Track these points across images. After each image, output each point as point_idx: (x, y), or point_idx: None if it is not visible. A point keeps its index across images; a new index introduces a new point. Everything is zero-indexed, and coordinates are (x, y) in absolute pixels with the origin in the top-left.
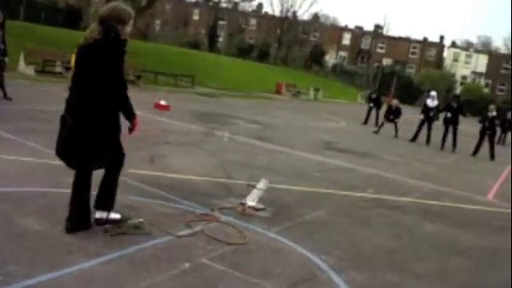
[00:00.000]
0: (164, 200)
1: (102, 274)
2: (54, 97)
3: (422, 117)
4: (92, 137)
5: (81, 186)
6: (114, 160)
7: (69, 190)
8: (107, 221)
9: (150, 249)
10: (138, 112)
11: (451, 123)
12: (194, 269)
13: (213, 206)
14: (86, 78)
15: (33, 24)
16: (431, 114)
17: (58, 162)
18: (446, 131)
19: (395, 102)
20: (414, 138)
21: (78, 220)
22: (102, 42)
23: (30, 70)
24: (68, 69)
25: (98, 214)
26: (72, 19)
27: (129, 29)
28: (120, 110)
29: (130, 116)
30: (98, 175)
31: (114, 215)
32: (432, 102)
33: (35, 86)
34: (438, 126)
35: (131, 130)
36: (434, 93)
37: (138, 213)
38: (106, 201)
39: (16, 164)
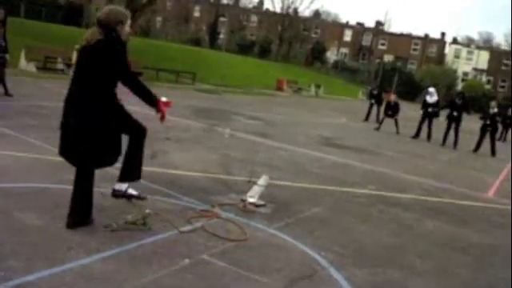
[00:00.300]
0: (164, 196)
1: (103, 269)
2: (56, 93)
3: (421, 112)
4: (93, 135)
5: (82, 183)
6: (134, 133)
7: (70, 186)
8: (124, 194)
9: (151, 245)
10: (138, 108)
11: (454, 120)
12: (195, 265)
13: (213, 202)
14: (87, 78)
15: (33, 21)
16: (430, 110)
17: (59, 158)
18: (449, 128)
19: (393, 97)
20: (417, 135)
21: (79, 216)
22: (105, 43)
23: (31, 67)
24: (69, 66)
25: (117, 186)
26: (73, 16)
27: (127, 29)
28: (142, 99)
29: (153, 101)
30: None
31: (132, 191)
32: (431, 98)
33: (36, 82)
34: (441, 122)
35: (162, 118)
36: (432, 89)
37: (140, 209)
38: (129, 173)
39: (17, 160)
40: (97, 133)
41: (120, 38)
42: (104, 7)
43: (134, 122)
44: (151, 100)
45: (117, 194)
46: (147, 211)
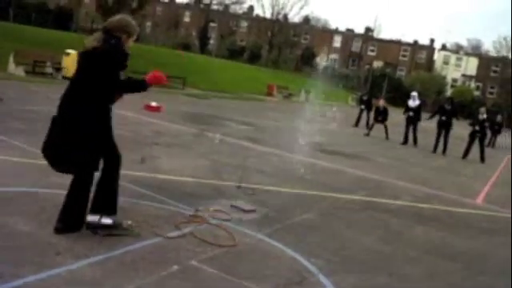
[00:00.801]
0: (154, 201)
1: (90, 275)
2: (44, 97)
3: (404, 116)
4: (91, 142)
5: (79, 190)
6: (111, 161)
7: (58, 191)
8: (98, 225)
9: (139, 250)
10: (128, 113)
11: (444, 126)
12: (183, 271)
13: (203, 207)
14: (84, 84)
15: (23, 25)
16: (411, 114)
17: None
18: (439, 135)
19: (382, 102)
20: (405, 142)
21: (70, 221)
22: (101, 51)
23: (20, 71)
24: (58, 70)
25: (90, 218)
26: (62, 20)
27: (131, 43)
28: (135, 92)
29: (144, 85)
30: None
31: (106, 220)
32: (413, 103)
33: (25, 86)
34: (432, 128)
35: (163, 81)
36: (414, 93)
37: (128, 214)
38: (102, 204)
39: (4, 164)
40: (95, 138)
41: (121, 47)
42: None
43: (113, 147)
44: (142, 86)
45: (90, 226)
46: (128, 222)
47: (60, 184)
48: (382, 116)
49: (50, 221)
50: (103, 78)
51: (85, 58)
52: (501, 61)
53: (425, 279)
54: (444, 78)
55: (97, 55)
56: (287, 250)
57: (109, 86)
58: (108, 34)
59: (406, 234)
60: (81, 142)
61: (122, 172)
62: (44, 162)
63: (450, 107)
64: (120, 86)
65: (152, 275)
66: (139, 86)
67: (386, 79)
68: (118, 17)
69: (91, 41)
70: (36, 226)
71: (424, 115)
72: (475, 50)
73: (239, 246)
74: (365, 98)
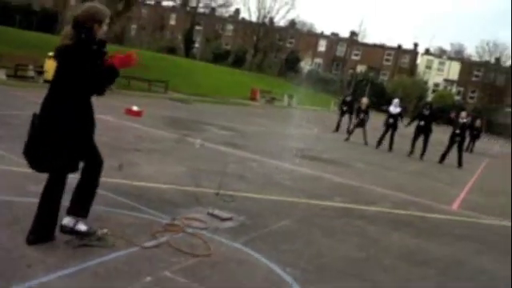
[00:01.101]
0: (131, 210)
1: (63, 287)
2: (26, 102)
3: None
4: (70, 141)
5: (52, 194)
6: (92, 166)
7: (34, 199)
8: (72, 230)
9: (113, 261)
10: (108, 118)
11: (423, 131)
12: (156, 282)
13: (180, 215)
14: (61, 82)
15: (6, 27)
16: (390, 120)
17: (24, 170)
18: (415, 138)
19: (365, 100)
20: (379, 144)
21: (43, 231)
22: (73, 48)
23: (1, 74)
24: (40, 73)
25: (66, 221)
26: (48, 22)
27: (104, 28)
28: (109, 84)
29: (114, 71)
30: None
31: (81, 226)
32: (394, 109)
33: (6, 90)
34: (411, 133)
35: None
36: (396, 100)
37: (104, 223)
38: (80, 207)
39: None
40: (72, 137)
41: (94, 38)
42: (84, 5)
43: (94, 150)
44: (114, 72)
45: (64, 230)
46: (103, 231)
47: (37, 193)
48: (363, 114)
49: (23, 231)
50: (80, 74)
51: (59, 55)
52: (483, 65)
53: (401, 286)
54: (426, 83)
55: (70, 53)
56: (262, 259)
57: (88, 79)
58: (78, 26)
59: (382, 241)
60: (59, 141)
61: (100, 179)
62: (21, 169)
63: (428, 112)
64: (100, 76)
65: (125, 287)
66: (111, 73)
67: (368, 84)
68: (85, 6)
69: (63, 38)
70: (7, 237)
71: (405, 120)
72: (458, 55)
73: (214, 256)
74: (348, 99)
